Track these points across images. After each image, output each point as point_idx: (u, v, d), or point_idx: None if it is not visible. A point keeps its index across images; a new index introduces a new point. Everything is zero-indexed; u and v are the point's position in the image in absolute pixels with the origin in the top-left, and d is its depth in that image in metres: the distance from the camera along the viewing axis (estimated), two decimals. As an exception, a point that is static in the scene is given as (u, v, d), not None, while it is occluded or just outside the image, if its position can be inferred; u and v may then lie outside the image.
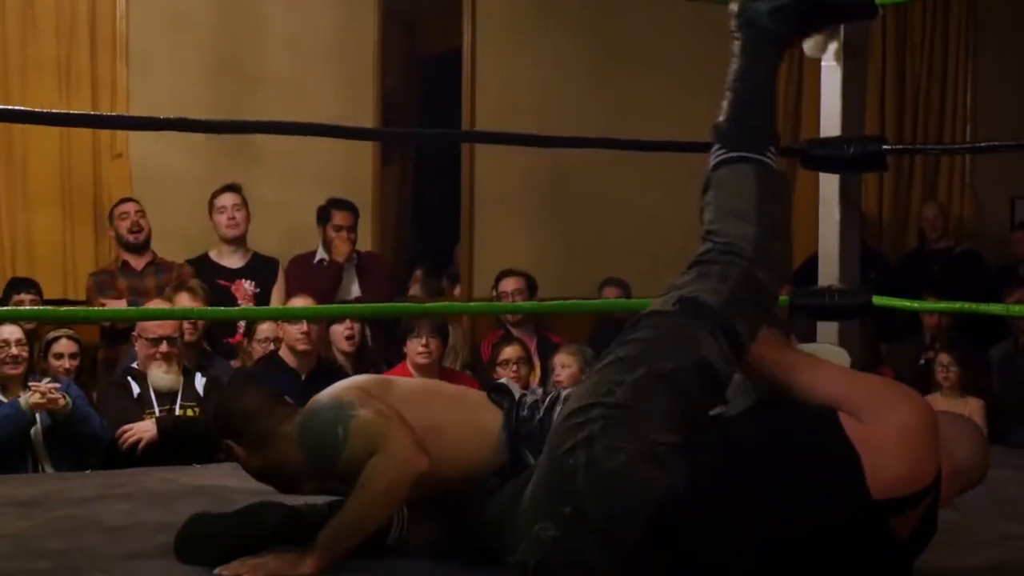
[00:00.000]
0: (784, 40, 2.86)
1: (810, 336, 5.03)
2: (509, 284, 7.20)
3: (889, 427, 2.46)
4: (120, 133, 7.16)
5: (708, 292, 2.57)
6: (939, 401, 6.80)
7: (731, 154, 2.76)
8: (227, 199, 6.78)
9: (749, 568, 2.44)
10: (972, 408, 6.65)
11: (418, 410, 2.83)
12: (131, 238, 6.56)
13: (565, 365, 6.22)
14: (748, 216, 2.69)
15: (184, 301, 5.83)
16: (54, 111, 5.36)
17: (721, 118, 2.80)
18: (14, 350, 5.47)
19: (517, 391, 2.92)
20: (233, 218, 6.77)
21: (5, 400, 5.39)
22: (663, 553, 2.41)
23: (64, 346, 5.86)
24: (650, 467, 2.40)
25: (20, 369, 5.50)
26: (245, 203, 6.81)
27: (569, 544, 2.44)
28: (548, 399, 2.87)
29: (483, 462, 2.81)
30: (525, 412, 2.83)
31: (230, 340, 6.48)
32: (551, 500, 2.47)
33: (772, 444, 2.51)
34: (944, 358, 6.63)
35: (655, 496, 2.38)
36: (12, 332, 5.51)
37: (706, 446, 2.49)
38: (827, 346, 3.14)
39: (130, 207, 6.64)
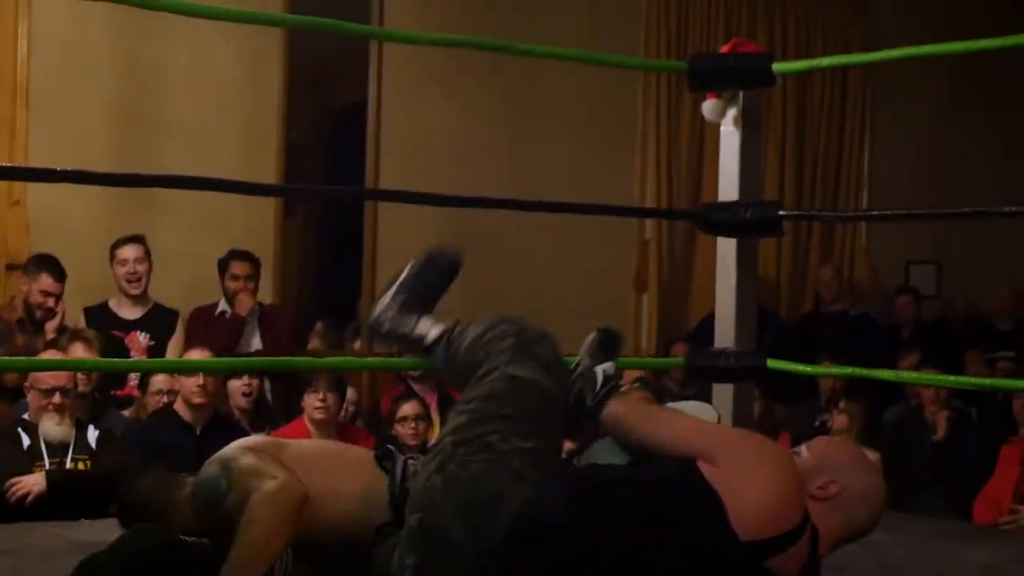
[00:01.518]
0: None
1: (705, 395, 5.06)
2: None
3: (747, 470, 2.48)
4: (18, 182, 7.06)
5: (496, 354, 2.78)
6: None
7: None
8: (129, 252, 6.67)
9: None
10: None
11: (308, 474, 2.85)
12: (38, 314, 6.43)
13: (463, 422, 6.19)
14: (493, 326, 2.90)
15: (79, 352, 5.75)
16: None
17: None
18: None
19: (402, 457, 2.93)
20: (135, 272, 6.66)
21: None
22: (536, 566, 2.43)
23: None
24: (506, 475, 2.48)
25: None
26: (148, 254, 6.72)
27: (431, 571, 2.46)
28: None
29: (368, 522, 2.82)
30: (412, 477, 2.84)
31: (118, 392, 6.38)
32: (415, 533, 2.53)
33: (638, 491, 2.54)
34: (848, 405, 6.69)
35: (511, 506, 2.43)
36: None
37: (583, 478, 2.53)
38: (696, 403, 3.19)
39: (53, 286, 6.43)
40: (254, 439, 3.04)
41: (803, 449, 2.65)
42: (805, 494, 2.52)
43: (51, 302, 6.39)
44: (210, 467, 2.88)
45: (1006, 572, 3.87)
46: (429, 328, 3.07)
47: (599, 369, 2.85)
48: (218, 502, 2.80)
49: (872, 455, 6.64)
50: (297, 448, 3.03)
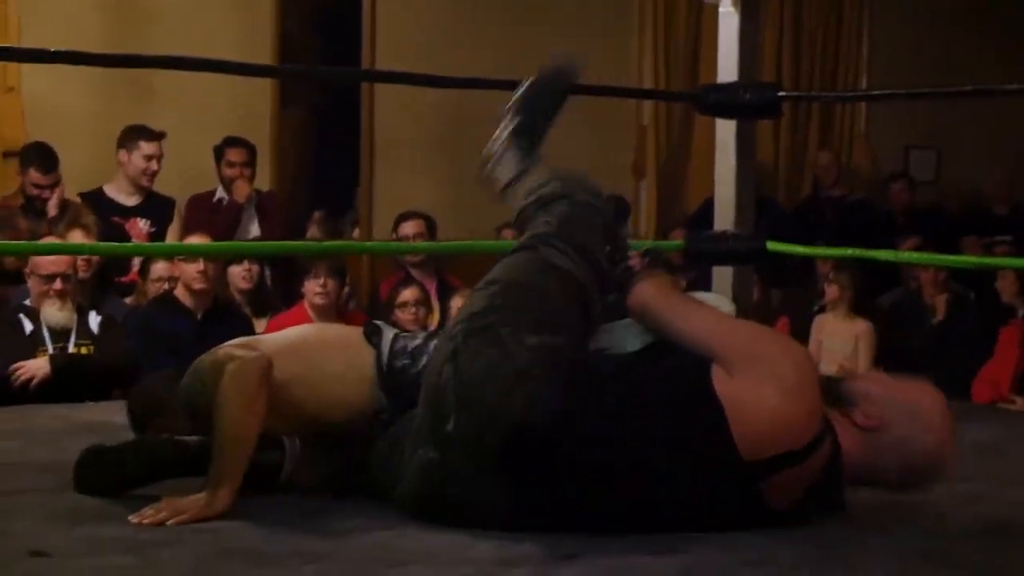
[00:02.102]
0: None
1: (705, 279, 5.08)
2: (409, 227, 7.17)
3: (761, 383, 2.45)
4: (12, 68, 7.02)
5: (540, 226, 2.72)
6: (829, 320, 6.93)
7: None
8: (152, 148, 6.64)
9: (631, 509, 2.46)
10: (861, 329, 6.79)
11: (288, 357, 2.82)
12: (37, 204, 6.41)
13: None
14: (549, 181, 2.88)
15: (77, 238, 5.74)
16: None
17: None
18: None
19: (391, 331, 2.91)
20: (152, 169, 6.64)
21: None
22: (535, 470, 2.43)
23: None
24: (510, 376, 2.45)
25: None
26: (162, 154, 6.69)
27: (447, 466, 2.47)
28: (428, 340, 2.87)
29: (361, 400, 2.81)
30: (401, 353, 2.82)
31: (122, 279, 6.39)
32: (430, 424, 2.52)
33: (642, 390, 2.52)
34: (836, 275, 6.72)
35: (512, 408, 2.42)
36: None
37: (586, 379, 2.51)
38: (716, 296, 3.16)
39: (44, 179, 6.36)
40: (232, 341, 3.00)
41: (870, 372, 2.64)
42: (822, 409, 2.49)
43: (45, 193, 6.37)
44: (187, 375, 2.86)
45: (1002, 449, 3.91)
46: (510, 168, 3.01)
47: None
48: (198, 404, 2.78)
49: (864, 324, 6.71)
50: (273, 338, 3.02)
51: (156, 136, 6.62)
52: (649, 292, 2.65)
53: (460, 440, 2.45)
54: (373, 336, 2.90)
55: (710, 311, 2.68)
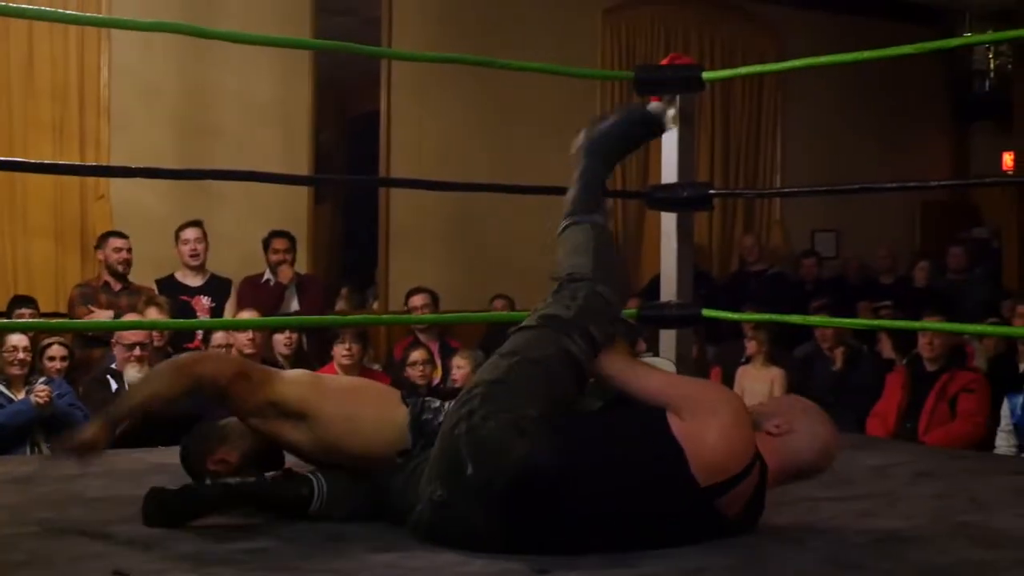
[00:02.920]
0: (609, 162, 2.95)
1: (653, 339, 5.08)
2: (417, 300, 7.17)
3: (707, 423, 2.45)
4: (103, 179, 7.05)
5: (562, 308, 2.63)
6: (750, 369, 6.93)
7: (570, 219, 2.85)
8: (191, 233, 6.67)
9: (606, 535, 2.45)
10: (775, 375, 6.79)
11: (341, 398, 2.79)
12: (119, 268, 6.44)
13: (460, 366, 6.22)
14: (585, 253, 2.74)
15: (152, 314, 5.74)
16: (47, 162, 5.26)
17: (567, 201, 2.89)
18: (21, 355, 5.43)
19: (421, 398, 2.90)
20: (195, 250, 6.67)
21: (10, 394, 5.34)
22: (533, 508, 2.41)
23: (56, 351, 5.75)
24: (514, 434, 2.41)
25: (24, 370, 5.46)
26: (205, 236, 6.71)
27: (454, 503, 2.45)
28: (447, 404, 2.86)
29: (391, 445, 2.78)
30: (428, 412, 2.80)
31: (188, 345, 6.38)
32: (441, 467, 2.48)
33: (616, 438, 2.51)
34: (755, 333, 6.73)
35: (516, 458, 2.38)
36: (20, 340, 5.47)
37: (572, 434, 2.50)
38: (660, 359, 3.18)
39: (122, 243, 6.47)
40: (300, 372, 2.96)
41: (769, 400, 2.66)
42: (754, 437, 2.50)
43: (124, 254, 6.42)
44: None
45: (892, 472, 3.90)
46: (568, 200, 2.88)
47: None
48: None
49: (778, 371, 6.70)
50: (332, 380, 3.00)
51: (193, 223, 6.63)
52: (612, 361, 2.65)
53: (473, 483, 2.41)
54: (408, 397, 2.88)
55: (660, 371, 2.69)
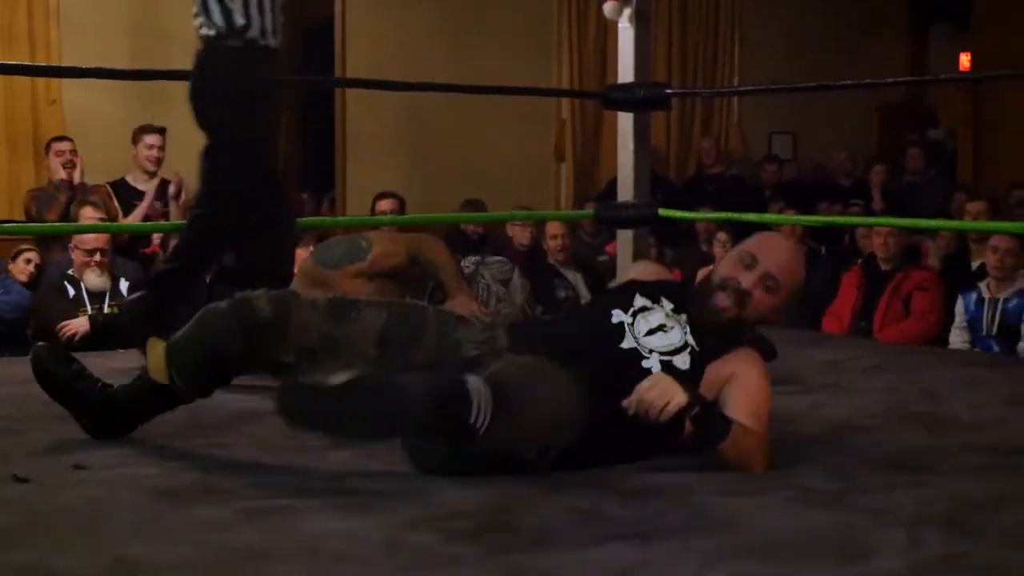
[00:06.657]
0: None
1: (611, 238, 5.09)
2: (385, 204, 7.07)
3: None
4: (54, 83, 6.92)
5: None
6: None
7: None
8: (153, 139, 6.48)
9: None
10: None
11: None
12: (64, 172, 6.36)
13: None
14: None
15: (88, 213, 5.68)
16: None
17: None
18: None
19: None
20: (155, 156, 6.51)
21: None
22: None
23: (32, 256, 5.73)
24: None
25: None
26: (164, 145, 6.60)
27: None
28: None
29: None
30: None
31: (145, 250, 6.32)
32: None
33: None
34: (721, 235, 6.73)
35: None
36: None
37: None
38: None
39: (64, 146, 6.40)
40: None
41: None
42: None
43: (67, 156, 6.34)
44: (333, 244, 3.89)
45: (844, 365, 3.97)
46: None
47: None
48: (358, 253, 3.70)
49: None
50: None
51: (157, 130, 6.53)
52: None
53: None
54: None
55: None
